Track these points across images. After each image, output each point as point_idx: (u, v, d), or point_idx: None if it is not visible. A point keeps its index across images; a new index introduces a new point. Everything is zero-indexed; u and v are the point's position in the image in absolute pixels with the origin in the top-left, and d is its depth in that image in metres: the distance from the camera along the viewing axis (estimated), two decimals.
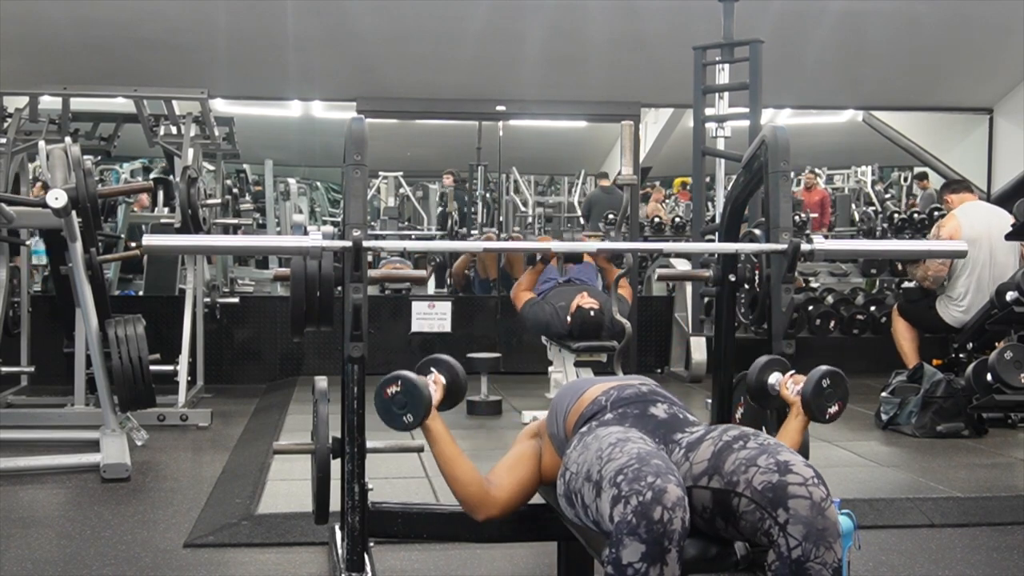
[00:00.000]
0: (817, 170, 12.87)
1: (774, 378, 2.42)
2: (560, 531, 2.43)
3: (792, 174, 3.19)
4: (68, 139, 4.56)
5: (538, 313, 5.37)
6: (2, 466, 4.21)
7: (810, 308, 7.60)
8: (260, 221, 10.49)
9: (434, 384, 2.46)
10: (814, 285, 7.94)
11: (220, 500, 3.86)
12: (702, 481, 1.99)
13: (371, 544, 2.65)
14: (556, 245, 3.68)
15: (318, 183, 14.03)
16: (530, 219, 11.27)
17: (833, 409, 2.32)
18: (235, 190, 8.82)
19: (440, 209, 11.25)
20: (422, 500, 3.74)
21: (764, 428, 2.67)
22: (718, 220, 4.62)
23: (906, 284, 6.27)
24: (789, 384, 2.37)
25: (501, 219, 9.92)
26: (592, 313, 5.09)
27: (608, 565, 1.85)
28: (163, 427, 5.27)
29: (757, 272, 2.75)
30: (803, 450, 2.50)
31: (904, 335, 5.99)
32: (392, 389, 2.34)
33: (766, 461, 1.92)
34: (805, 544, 1.84)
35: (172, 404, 5.42)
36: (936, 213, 8.78)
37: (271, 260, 8.99)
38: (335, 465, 2.57)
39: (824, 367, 2.31)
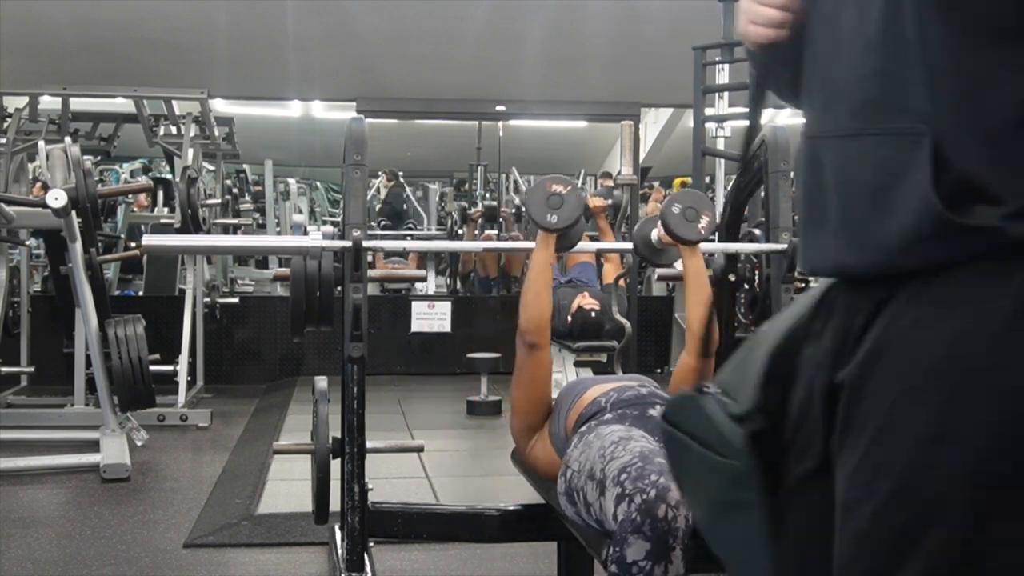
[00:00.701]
0: None
1: (654, 234, 2.47)
2: (560, 531, 2.43)
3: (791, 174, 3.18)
4: (68, 139, 4.56)
5: None
6: (2, 466, 4.21)
7: None
8: (260, 221, 10.49)
9: None
10: (814, 285, 7.94)
11: (220, 500, 3.86)
12: None
13: (371, 544, 2.64)
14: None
15: (318, 183, 14.02)
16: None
17: (703, 223, 2.34)
18: (235, 190, 8.82)
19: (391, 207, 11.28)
20: (422, 500, 3.74)
21: None
22: (718, 220, 4.62)
23: None
24: (663, 230, 2.44)
25: (502, 219, 9.92)
26: (593, 314, 5.09)
27: (612, 564, 1.85)
28: (163, 427, 5.27)
29: (757, 272, 2.75)
30: None
31: None
32: (558, 187, 2.35)
33: None
34: None
35: (172, 404, 5.42)
36: None
37: (271, 260, 8.99)
38: (335, 465, 2.57)
39: (672, 193, 2.39)
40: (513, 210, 8.13)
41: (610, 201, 5.36)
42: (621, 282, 5.16)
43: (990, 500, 0.90)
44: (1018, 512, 0.90)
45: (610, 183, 10.38)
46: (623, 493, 1.87)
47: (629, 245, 2.75)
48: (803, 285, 8.70)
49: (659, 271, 3.34)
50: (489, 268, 8.25)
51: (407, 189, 11.50)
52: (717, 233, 3.31)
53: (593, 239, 6.93)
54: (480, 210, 7.71)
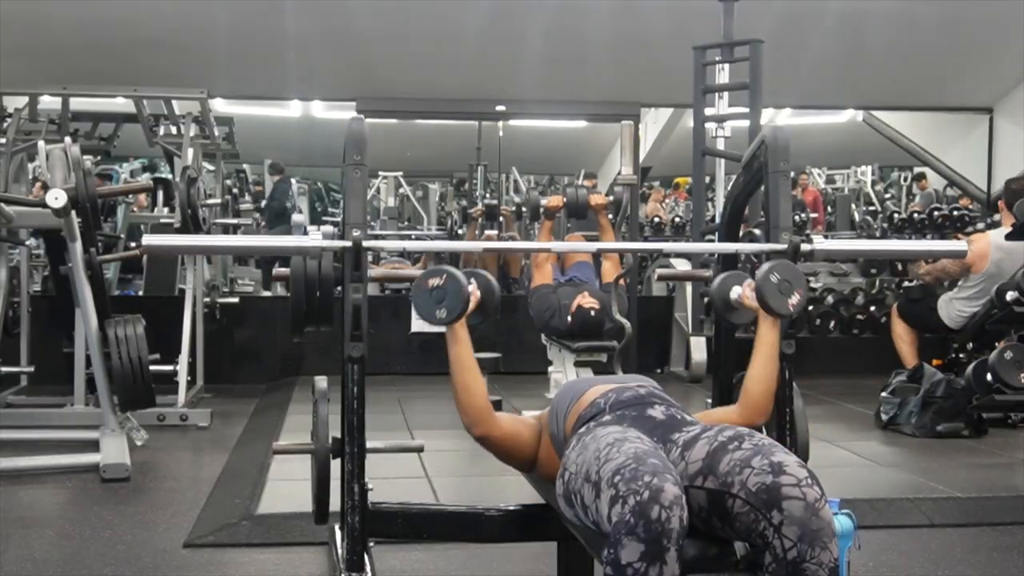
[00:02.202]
0: (816, 170, 12.87)
1: (735, 292, 2.44)
2: (560, 531, 2.43)
3: (792, 174, 3.19)
4: (68, 139, 4.56)
5: (547, 299, 5.34)
6: (2, 466, 4.21)
7: (810, 308, 7.61)
8: (261, 221, 10.50)
9: (471, 294, 2.45)
10: (815, 286, 7.94)
11: (220, 500, 3.86)
12: (697, 481, 1.99)
13: (371, 544, 2.64)
14: (556, 245, 3.67)
15: (318, 183, 14.03)
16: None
17: (794, 299, 2.32)
18: (235, 190, 8.83)
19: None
20: (422, 500, 3.73)
21: (763, 429, 2.67)
22: (718, 220, 4.61)
23: (907, 284, 6.24)
24: (748, 292, 2.38)
25: (502, 219, 9.91)
26: (592, 313, 5.09)
27: (607, 566, 1.85)
28: (163, 427, 5.27)
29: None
30: (803, 450, 2.50)
31: (903, 337, 5.97)
32: (435, 281, 2.35)
33: (760, 462, 1.92)
34: (800, 545, 1.84)
35: (172, 404, 5.42)
36: (936, 213, 8.80)
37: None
38: (335, 465, 2.57)
39: (770, 261, 2.34)
40: (513, 209, 8.13)
41: (611, 198, 5.35)
42: (621, 282, 5.16)
43: None
44: None
45: (591, 183, 10.44)
46: (617, 495, 1.87)
47: (627, 245, 2.75)
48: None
49: (659, 271, 3.34)
50: (489, 268, 8.25)
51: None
52: (717, 233, 3.31)
53: (593, 239, 6.94)
54: (481, 209, 7.70)
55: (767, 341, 2.38)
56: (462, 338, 2.43)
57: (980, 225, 8.77)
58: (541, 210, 5.49)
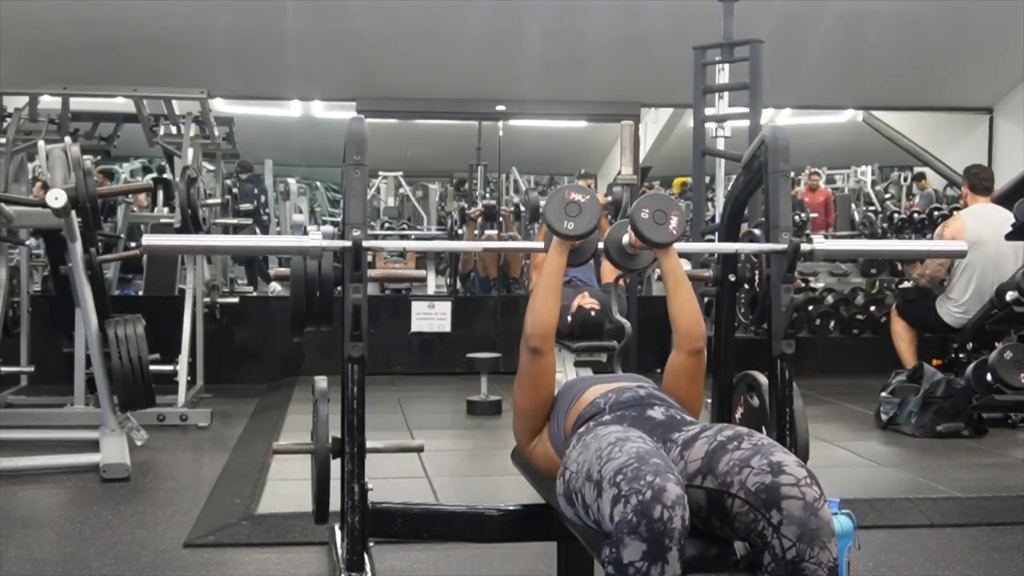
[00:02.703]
0: (819, 171, 12.88)
1: (625, 239, 2.48)
2: (560, 531, 2.43)
3: (791, 174, 3.18)
4: (68, 139, 4.56)
5: None
6: (2, 466, 4.21)
7: (810, 308, 7.61)
8: (261, 218, 10.50)
9: None
10: (815, 286, 7.94)
11: (220, 500, 3.86)
12: (696, 481, 1.99)
13: (371, 544, 2.64)
14: None
15: (318, 183, 14.04)
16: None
17: (673, 224, 2.35)
18: (235, 190, 8.83)
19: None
20: (422, 500, 3.73)
21: (763, 428, 2.67)
22: (718, 220, 4.61)
23: (904, 284, 6.24)
24: (634, 236, 2.43)
25: (501, 219, 9.91)
26: (593, 314, 5.10)
27: (609, 565, 1.85)
28: (163, 427, 5.27)
29: (757, 272, 2.75)
30: (803, 449, 2.50)
31: (902, 336, 5.97)
32: (577, 196, 2.37)
33: (759, 462, 1.92)
34: (799, 545, 1.84)
35: (172, 404, 5.42)
36: (936, 213, 8.80)
37: (271, 260, 9.00)
38: (335, 465, 2.57)
39: (637, 199, 2.38)
40: (512, 209, 8.14)
41: (610, 198, 5.35)
42: (621, 282, 5.16)
43: None
44: None
45: (585, 183, 10.41)
46: (619, 494, 1.87)
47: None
48: (803, 285, 8.60)
49: (659, 271, 3.34)
50: (489, 268, 8.25)
51: (267, 182, 11.37)
52: (717, 233, 3.31)
53: None
54: (479, 209, 7.71)
55: (669, 270, 2.42)
56: (565, 255, 2.46)
57: None
58: (540, 210, 5.49)
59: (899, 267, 7.99)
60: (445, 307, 6.42)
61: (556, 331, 5.44)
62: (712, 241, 4.93)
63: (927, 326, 5.91)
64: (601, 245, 2.59)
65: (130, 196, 7.96)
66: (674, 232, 2.36)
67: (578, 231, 2.37)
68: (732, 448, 1.99)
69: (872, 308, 7.62)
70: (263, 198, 10.61)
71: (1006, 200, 6.32)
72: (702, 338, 2.44)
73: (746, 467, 1.92)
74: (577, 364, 5.18)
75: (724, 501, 1.93)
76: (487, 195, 9.69)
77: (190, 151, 6.03)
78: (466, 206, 9.11)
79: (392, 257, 8.74)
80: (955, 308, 5.62)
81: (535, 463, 2.55)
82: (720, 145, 5.64)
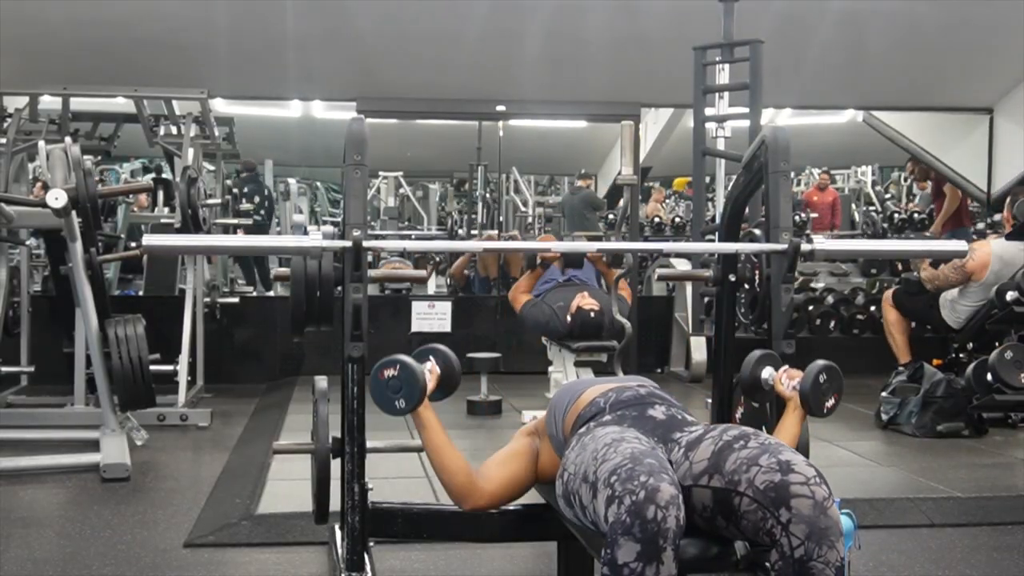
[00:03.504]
0: (816, 170, 12.88)
1: (767, 373, 2.45)
2: (560, 531, 2.43)
3: (793, 174, 3.19)
4: (68, 139, 4.56)
5: (537, 315, 5.37)
6: (2, 466, 4.21)
7: (810, 308, 7.61)
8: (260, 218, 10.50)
9: (430, 373, 2.47)
10: (815, 286, 7.94)
11: (220, 500, 3.86)
12: (702, 480, 1.99)
13: (371, 544, 2.65)
14: (556, 245, 3.68)
15: (318, 183, 14.04)
16: (530, 219, 11.29)
17: (830, 403, 2.36)
18: (235, 190, 8.82)
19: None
20: (422, 500, 3.73)
21: (764, 428, 2.67)
22: (718, 220, 4.61)
23: (907, 275, 6.16)
24: (783, 379, 2.39)
25: (501, 219, 9.92)
26: (592, 314, 5.09)
27: (604, 566, 1.86)
28: (163, 427, 5.27)
29: (757, 272, 2.75)
30: (803, 449, 2.50)
31: (897, 327, 5.87)
32: (389, 372, 2.36)
33: (768, 460, 1.92)
34: (808, 543, 1.84)
35: (172, 404, 5.42)
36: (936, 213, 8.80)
37: (270, 260, 9.00)
38: (335, 465, 2.57)
39: (820, 362, 2.35)
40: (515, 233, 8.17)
41: (604, 258, 5.42)
42: (620, 288, 5.16)
43: None
44: None
45: (586, 183, 10.50)
46: (613, 495, 1.87)
47: (628, 245, 2.74)
48: (811, 287, 8.52)
49: (659, 271, 3.34)
50: (490, 268, 8.26)
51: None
52: (717, 233, 3.31)
53: (593, 239, 6.95)
54: (494, 234, 7.75)
55: (791, 432, 2.35)
56: (428, 421, 2.45)
57: (980, 224, 8.79)
58: (539, 263, 5.57)
59: (899, 267, 7.99)
60: (445, 307, 6.41)
61: (556, 332, 5.45)
62: (712, 241, 4.93)
63: (924, 320, 5.87)
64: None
65: (130, 196, 7.96)
66: (826, 411, 2.36)
67: (411, 404, 2.38)
68: (739, 447, 1.99)
69: (872, 308, 7.62)
70: (257, 198, 10.60)
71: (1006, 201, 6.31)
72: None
73: (754, 465, 1.92)
74: (577, 364, 5.18)
75: (731, 500, 1.93)
76: (487, 195, 9.70)
77: (190, 151, 6.03)
78: (464, 206, 9.12)
79: (393, 257, 8.74)
80: (961, 306, 5.58)
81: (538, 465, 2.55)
82: (720, 145, 5.64)
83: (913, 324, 5.97)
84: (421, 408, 2.41)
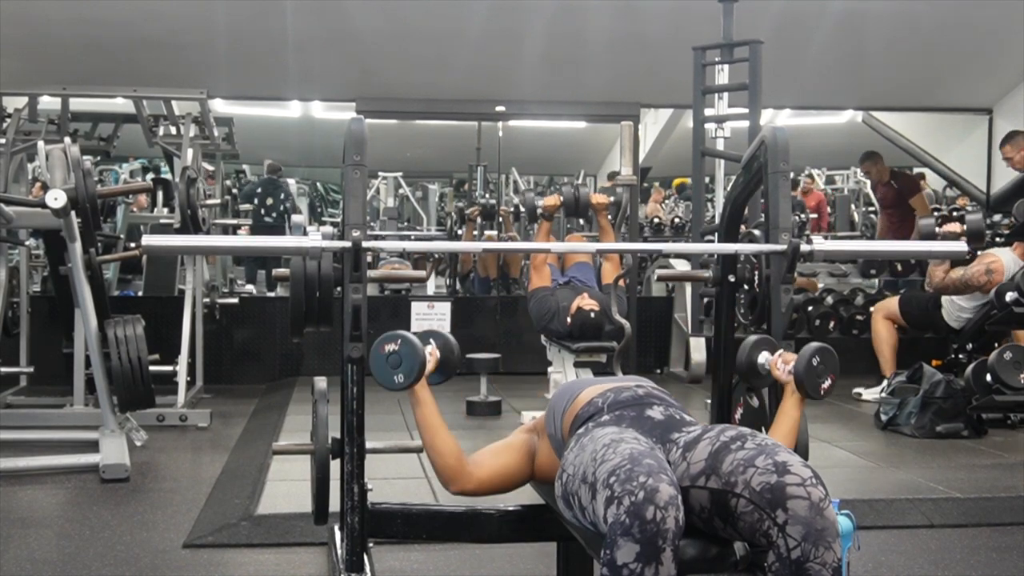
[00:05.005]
0: (816, 171, 12.87)
1: (763, 357, 2.45)
2: (560, 531, 2.43)
3: (793, 174, 3.18)
4: (67, 139, 4.56)
5: (545, 303, 5.35)
6: (2, 467, 4.21)
7: (810, 308, 7.61)
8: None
9: (429, 355, 2.47)
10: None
11: (219, 500, 3.86)
12: (699, 481, 1.99)
13: (371, 544, 2.64)
14: (555, 246, 3.68)
15: (318, 183, 14.03)
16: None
17: (826, 384, 2.35)
18: (234, 190, 8.82)
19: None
20: (422, 500, 3.73)
21: (764, 429, 2.67)
22: (717, 221, 4.61)
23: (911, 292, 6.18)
24: (779, 364, 2.39)
25: (501, 219, 9.90)
26: (592, 315, 5.10)
27: (604, 567, 1.86)
28: (162, 427, 5.27)
29: (757, 272, 2.74)
30: (803, 450, 2.51)
31: (886, 340, 5.88)
32: (390, 346, 2.37)
33: (764, 462, 1.92)
34: (804, 544, 1.84)
35: (171, 404, 5.42)
36: (936, 213, 8.79)
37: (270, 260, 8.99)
38: (335, 465, 2.57)
39: (814, 344, 2.34)
40: (512, 209, 8.14)
41: (612, 199, 5.35)
42: (621, 282, 5.16)
43: None
44: None
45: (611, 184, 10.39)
46: (612, 496, 1.87)
47: (627, 245, 2.74)
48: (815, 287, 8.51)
49: (659, 272, 3.34)
50: (489, 268, 8.25)
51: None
52: (717, 234, 3.31)
53: (593, 239, 6.95)
54: (477, 209, 7.71)
55: (791, 416, 2.33)
56: (423, 399, 2.45)
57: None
58: (539, 211, 5.50)
59: (898, 267, 7.99)
60: (445, 308, 6.40)
61: (556, 332, 5.45)
62: (712, 241, 4.93)
63: (926, 326, 5.88)
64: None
65: (130, 196, 7.96)
66: (822, 392, 2.34)
67: (409, 379, 2.37)
68: (736, 448, 1.99)
69: (872, 309, 7.62)
70: (271, 200, 10.58)
71: (1005, 201, 6.31)
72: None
73: (751, 467, 1.92)
74: (577, 365, 5.18)
75: (728, 501, 1.93)
76: (487, 195, 9.69)
77: (189, 152, 6.03)
78: (465, 206, 9.12)
79: (393, 257, 8.74)
80: (966, 308, 5.57)
81: (537, 464, 2.55)
82: (720, 145, 5.64)
83: (926, 335, 5.95)
84: (418, 386, 2.42)
